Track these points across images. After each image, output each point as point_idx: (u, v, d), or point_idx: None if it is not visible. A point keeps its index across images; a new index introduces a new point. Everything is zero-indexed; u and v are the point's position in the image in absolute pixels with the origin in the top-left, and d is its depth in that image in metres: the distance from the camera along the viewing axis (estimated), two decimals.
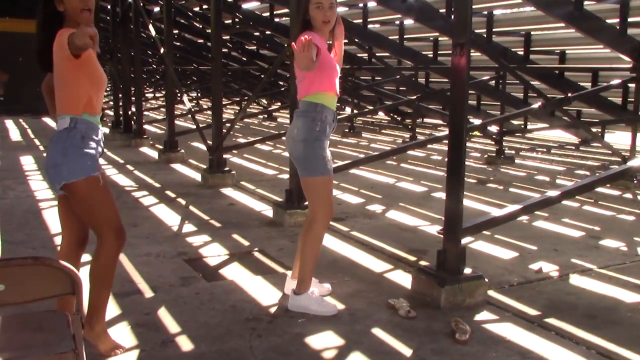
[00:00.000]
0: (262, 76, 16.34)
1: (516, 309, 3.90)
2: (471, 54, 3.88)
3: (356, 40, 11.24)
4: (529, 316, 3.79)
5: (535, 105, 9.00)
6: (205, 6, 13.43)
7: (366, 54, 13.03)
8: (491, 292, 4.13)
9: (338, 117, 3.82)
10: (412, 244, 5.40)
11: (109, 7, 14.14)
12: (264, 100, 20.77)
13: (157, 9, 14.21)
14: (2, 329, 2.21)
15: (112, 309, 3.71)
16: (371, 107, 14.56)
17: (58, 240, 5.22)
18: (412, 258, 4.98)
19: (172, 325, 3.52)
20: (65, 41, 2.74)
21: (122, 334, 3.38)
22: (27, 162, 9.92)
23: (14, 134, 14.61)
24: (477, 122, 11.04)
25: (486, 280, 4.00)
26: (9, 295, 1.99)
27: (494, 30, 10.17)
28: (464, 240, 4.07)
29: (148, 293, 4.05)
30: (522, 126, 13.37)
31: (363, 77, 15.57)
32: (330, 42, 3.70)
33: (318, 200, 3.66)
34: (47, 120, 17.44)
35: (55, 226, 5.69)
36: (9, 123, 17.01)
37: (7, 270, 1.98)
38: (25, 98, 15.81)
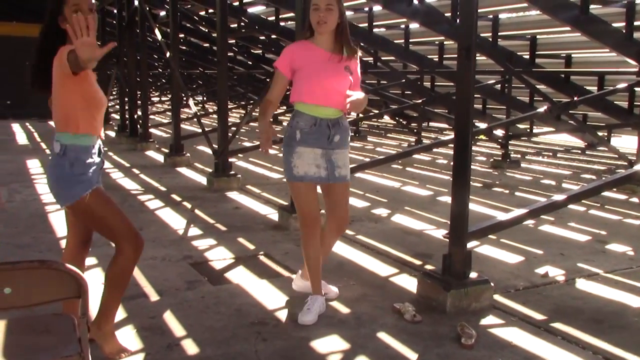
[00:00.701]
0: (268, 80, 16.35)
1: (522, 314, 3.88)
2: (477, 58, 3.89)
3: (362, 44, 11.25)
4: (535, 321, 3.77)
5: (541, 109, 8.98)
6: (211, 10, 13.46)
7: (372, 58, 13.04)
8: (497, 297, 4.11)
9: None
10: (418, 248, 5.39)
11: (115, 11, 14.21)
12: None
13: (163, 13, 14.25)
14: (9, 332, 2.21)
15: (118, 312, 3.71)
16: (377, 111, 14.56)
17: (64, 243, 5.23)
18: (418, 262, 4.97)
19: (178, 329, 3.53)
20: (64, 57, 2.72)
21: (128, 337, 3.39)
22: (34, 165, 9.95)
23: (21, 138, 14.67)
24: (482, 125, 11.02)
25: (492, 284, 3.99)
26: (15, 298, 2.00)
27: (499, 34, 10.17)
28: (470, 244, 4.06)
29: (154, 296, 4.06)
30: (528, 130, 13.35)
31: (368, 81, 15.56)
32: (341, 54, 3.56)
33: (295, 205, 3.77)
34: (53, 124, 17.28)
35: (61, 230, 5.70)
36: (16, 127, 17.08)
37: (13, 273, 1.99)
38: (32, 102, 15.86)
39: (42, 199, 7.11)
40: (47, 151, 11.85)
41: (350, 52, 3.62)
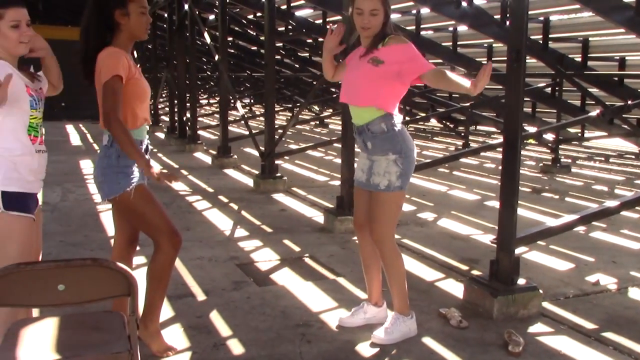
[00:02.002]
0: (314, 83, 16.42)
1: (572, 322, 3.80)
2: (527, 61, 3.82)
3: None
4: (585, 330, 3.68)
5: (594, 113, 8.78)
6: (259, 14, 13.59)
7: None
8: (546, 304, 4.03)
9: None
10: (464, 253, 5.33)
11: (165, 15, 14.48)
12: (316, 107, 20.84)
13: (212, 17, 14.45)
14: (62, 328, 2.28)
15: (166, 311, 3.78)
16: (423, 114, 14.45)
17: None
18: (464, 267, 4.91)
19: (224, 329, 3.57)
20: (111, 67, 2.81)
21: (175, 335, 3.44)
22: (86, 166, 10.21)
23: (74, 139, 15.08)
24: (532, 129, 10.83)
25: (541, 291, 3.91)
26: (68, 295, 2.05)
27: (550, 36, 9.97)
28: (518, 250, 4.00)
29: (200, 296, 4.12)
30: (579, 134, 13.04)
31: (416, 84, 15.46)
32: (372, 47, 3.31)
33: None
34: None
35: (112, 229, 5.83)
36: (70, 128, 17.57)
37: (67, 270, 2.05)
38: (85, 104, 16.30)
39: (94, 199, 7.29)
40: (99, 151, 12.13)
41: (379, 45, 3.30)
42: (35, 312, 2.88)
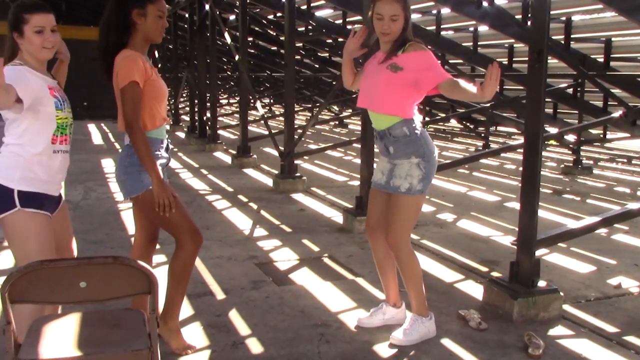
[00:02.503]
0: (334, 83, 16.40)
1: (593, 325, 3.76)
2: (548, 61, 3.78)
3: (429, 47, 11.13)
4: (606, 333, 3.64)
5: (616, 114, 8.68)
6: (279, 14, 13.62)
7: (439, 61, 12.88)
8: (566, 307, 4.00)
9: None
10: (484, 254, 5.30)
11: (186, 15, 14.56)
12: (335, 107, 20.84)
13: (232, 17, 14.51)
14: (83, 325, 2.30)
15: (185, 309, 3.81)
16: (443, 115, 14.38)
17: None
18: (484, 269, 4.88)
19: (243, 328, 3.58)
20: (129, 72, 2.84)
21: (195, 334, 3.47)
22: (108, 164, 10.31)
23: (96, 138, 15.23)
24: (553, 130, 10.72)
25: (561, 294, 3.88)
26: (90, 292, 2.08)
27: (572, 36, 9.86)
28: (539, 252, 3.97)
29: (220, 295, 4.14)
30: (601, 135, 12.90)
31: (431, 93, 15.40)
32: (391, 53, 3.27)
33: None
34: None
35: (133, 227, 5.89)
36: (92, 127, 17.75)
37: (89, 268, 2.07)
38: (107, 103, 16.49)
39: (115, 197, 7.36)
40: (121, 151, 12.25)
41: (399, 51, 3.27)
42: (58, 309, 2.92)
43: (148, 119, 3.00)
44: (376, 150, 3.56)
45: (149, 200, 2.99)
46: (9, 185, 2.62)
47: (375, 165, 3.56)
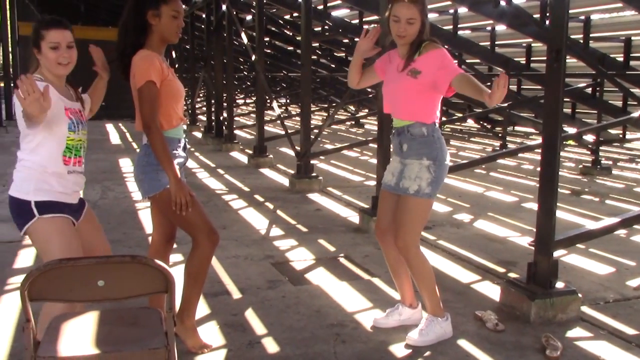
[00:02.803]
0: None
1: (612, 327, 3.72)
2: (567, 61, 3.75)
3: (445, 46, 11.09)
4: (626, 335, 3.61)
5: (635, 114, 8.58)
6: (296, 14, 13.64)
7: (456, 61, 12.82)
8: (585, 308, 3.96)
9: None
10: (501, 255, 5.27)
11: (203, 16, 14.63)
12: (351, 107, 20.83)
13: (249, 17, 14.55)
14: (101, 323, 2.32)
15: (202, 308, 3.83)
16: (460, 115, 14.32)
17: None
18: (501, 270, 4.85)
19: (259, 327, 3.59)
20: (145, 72, 2.87)
21: (211, 333, 3.48)
22: (125, 164, 10.39)
23: (114, 138, 15.35)
24: (571, 130, 10.65)
25: (580, 295, 3.84)
26: (108, 290, 2.10)
27: (591, 35, 9.78)
28: (556, 253, 3.93)
29: (236, 294, 4.15)
30: (621, 135, 12.77)
31: (448, 95, 15.34)
32: (409, 59, 3.26)
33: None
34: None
35: (150, 226, 5.92)
36: (110, 127, 17.89)
37: (107, 266, 2.09)
38: (124, 103, 16.64)
39: (132, 197, 7.41)
40: (139, 151, 12.34)
41: (416, 54, 3.26)
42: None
43: (164, 118, 3.02)
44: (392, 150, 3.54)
45: (166, 200, 3.00)
46: (25, 198, 2.69)
47: (388, 167, 3.53)
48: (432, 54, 3.23)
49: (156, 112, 2.92)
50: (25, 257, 4.86)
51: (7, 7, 18.47)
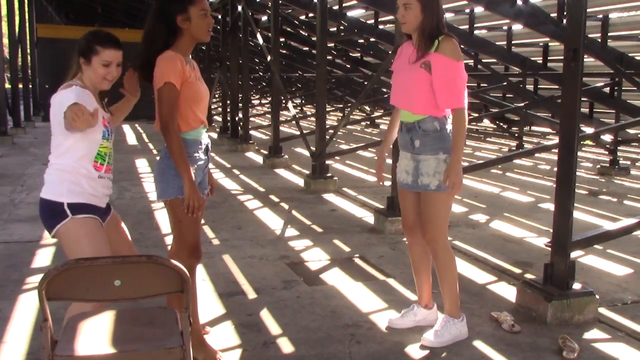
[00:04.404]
0: (366, 83, 16.37)
1: (630, 329, 3.68)
2: (584, 60, 3.71)
3: (462, 46, 11.04)
4: None
5: None
6: (311, 14, 13.64)
7: (472, 61, 12.77)
8: (602, 310, 3.93)
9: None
10: (518, 255, 5.23)
11: (219, 16, 14.68)
12: (367, 107, 20.80)
13: (264, 18, 14.59)
14: (117, 322, 2.34)
15: (217, 308, 3.85)
16: (476, 115, 14.24)
17: (169, 240, 5.47)
18: (517, 270, 4.82)
19: (274, 327, 3.60)
20: (165, 73, 2.86)
21: (226, 333, 3.49)
22: (142, 164, 10.45)
23: (130, 138, 15.45)
24: (589, 130, 10.55)
25: (597, 296, 3.81)
26: (124, 290, 2.11)
27: (609, 34, 9.68)
28: (574, 254, 3.90)
29: (251, 294, 4.16)
30: (639, 135, 12.63)
31: (468, 84, 15.21)
32: (421, 50, 3.23)
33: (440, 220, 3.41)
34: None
35: (166, 226, 5.96)
36: (126, 128, 18.01)
37: (123, 266, 2.11)
38: (140, 104, 16.69)
39: (148, 197, 7.46)
40: (155, 151, 12.44)
41: (431, 48, 3.20)
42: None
43: (182, 120, 2.99)
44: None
45: (175, 207, 3.00)
46: (58, 200, 2.73)
47: (398, 165, 3.51)
48: (445, 60, 3.18)
49: (174, 113, 2.91)
50: (43, 257, 4.91)
51: (26, 9, 18.67)
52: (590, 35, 9.45)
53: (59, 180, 2.76)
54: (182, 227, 3.05)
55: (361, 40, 15.05)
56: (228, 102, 14.57)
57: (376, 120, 19.50)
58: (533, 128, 16.65)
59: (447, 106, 3.21)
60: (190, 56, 3.10)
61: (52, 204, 2.74)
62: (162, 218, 6.30)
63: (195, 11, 2.95)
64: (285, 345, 3.37)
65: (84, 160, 2.77)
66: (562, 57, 3.86)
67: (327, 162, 8.53)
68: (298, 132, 9.75)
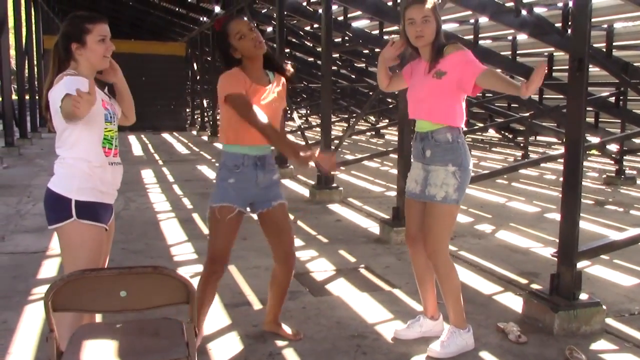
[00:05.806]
0: (371, 93, 16.39)
1: (638, 340, 3.66)
2: (589, 70, 3.72)
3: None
4: None
5: None
6: (316, 25, 13.70)
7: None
8: (609, 320, 3.90)
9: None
10: (524, 266, 5.21)
11: None
12: (372, 118, 20.84)
13: (270, 29, 14.65)
14: (123, 334, 2.34)
15: (223, 319, 3.84)
16: (481, 125, 14.25)
17: (174, 250, 5.49)
18: (524, 281, 4.80)
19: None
20: (222, 89, 3.13)
21: (232, 344, 3.49)
22: (148, 175, 10.48)
23: (136, 149, 15.49)
24: (595, 140, 10.54)
25: (604, 307, 3.79)
26: (130, 301, 2.11)
27: (614, 44, 9.69)
28: (580, 264, 3.89)
29: (257, 305, 4.15)
30: None
31: (474, 94, 15.26)
32: (433, 61, 3.27)
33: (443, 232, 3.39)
34: (166, 136, 18.37)
35: (172, 237, 5.97)
36: (132, 139, 18.07)
37: (129, 277, 2.11)
38: (146, 116, 16.77)
39: (154, 208, 7.47)
40: (160, 162, 12.50)
41: (441, 55, 3.27)
42: (97, 317, 2.96)
43: (231, 132, 3.20)
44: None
45: (212, 217, 3.21)
46: (67, 196, 2.65)
47: (409, 174, 3.53)
48: (457, 55, 3.24)
49: (250, 111, 3.06)
50: (49, 268, 4.92)
51: (33, 20, 18.80)
52: (595, 45, 9.45)
53: (70, 175, 2.68)
54: (210, 237, 3.27)
55: (366, 51, 15.11)
56: None
57: (381, 131, 19.51)
58: (538, 138, 16.65)
59: (479, 72, 3.16)
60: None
61: (60, 198, 2.66)
62: (168, 229, 6.31)
63: (233, 35, 3.22)
64: (291, 356, 3.36)
65: (93, 148, 2.70)
66: (567, 67, 3.86)
67: (332, 172, 8.53)
68: (303, 143, 9.76)
